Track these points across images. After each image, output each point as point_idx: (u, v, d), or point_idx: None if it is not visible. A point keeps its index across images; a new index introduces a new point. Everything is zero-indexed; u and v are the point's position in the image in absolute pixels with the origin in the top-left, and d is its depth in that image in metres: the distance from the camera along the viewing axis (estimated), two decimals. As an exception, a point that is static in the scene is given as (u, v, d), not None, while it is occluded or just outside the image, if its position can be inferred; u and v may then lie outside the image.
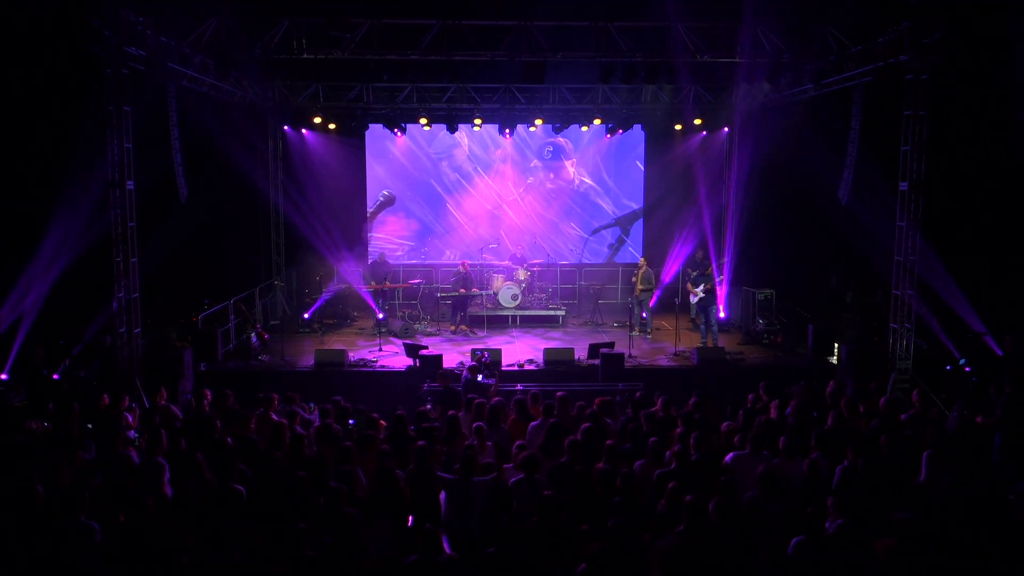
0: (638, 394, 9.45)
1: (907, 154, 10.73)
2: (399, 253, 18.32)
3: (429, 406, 9.47)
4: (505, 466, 7.44)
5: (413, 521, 6.80)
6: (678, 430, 8.14)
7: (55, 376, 10.32)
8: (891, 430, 8.19)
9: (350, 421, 8.55)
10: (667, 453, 7.34)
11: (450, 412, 8.62)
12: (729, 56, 10.72)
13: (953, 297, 11.05)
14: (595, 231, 18.61)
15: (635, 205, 18.53)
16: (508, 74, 11.44)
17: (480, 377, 10.38)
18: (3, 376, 10.35)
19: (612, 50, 10.50)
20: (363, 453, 7.64)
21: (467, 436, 8.22)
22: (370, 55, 10.43)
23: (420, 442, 7.65)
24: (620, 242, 18.65)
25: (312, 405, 9.43)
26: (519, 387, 10.60)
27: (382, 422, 8.69)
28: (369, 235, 18.34)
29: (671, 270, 16.55)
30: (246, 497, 6.51)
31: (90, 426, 8.22)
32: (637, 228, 18.61)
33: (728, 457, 7.33)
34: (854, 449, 7.17)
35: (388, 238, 18.42)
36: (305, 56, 10.54)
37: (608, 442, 7.46)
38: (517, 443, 7.99)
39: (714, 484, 6.60)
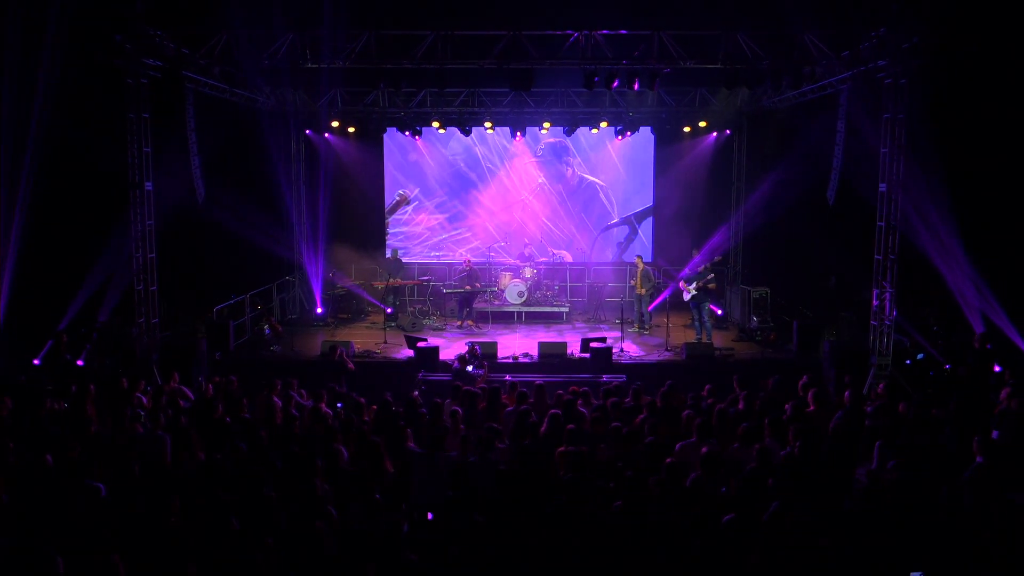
0: (614, 384, 9.99)
1: (886, 156, 11.05)
2: (435, 238, 19.10)
3: (417, 392, 10.11)
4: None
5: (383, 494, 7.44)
6: (641, 416, 8.66)
7: (79, 362, 11.21)
8: (853, 421, 8.63)
9: (338, 405, 9.22)
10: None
11: (435, 399, 9.27)
12: (712, 63, 11.15)
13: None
14: (604, 229, 19.11)
15: (645, 204, 19.00)
16: (497, 81, 12.01)
17: (470, 368, 11.00)
18: (36, 362, 11.29)
19: (597, 57, 11.02)
20: (347, 433, 8.32)
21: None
22: (369, 64, 11.14)
23: (402, 422, 8.36)
24: (629, 241, 19.12)
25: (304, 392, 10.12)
26: (507, 377, 11.17)
27: (374, 407, 9.37)
28: (387, 233, 19.11)
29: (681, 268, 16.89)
30: (232, 468, 7.22)
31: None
32: (646, 227, 19.07)
33: (677, 446, 7.80)
34: (799, 436, 7.62)
35: (414, 234, 19.20)
36: (309, 65, 11.29)
37: (569, 426, 8.00)
38: (487, 425, 8.56)
39: (660, 466, 7.12)
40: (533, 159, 18.95)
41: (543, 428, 8.30)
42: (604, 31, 10.95)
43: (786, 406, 9.21)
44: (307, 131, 18.21)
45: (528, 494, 6.70)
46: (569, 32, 11.00)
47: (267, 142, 16.49)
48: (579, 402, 9.21)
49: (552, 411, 8.51)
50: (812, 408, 9.03)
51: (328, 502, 6.51)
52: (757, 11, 10.76)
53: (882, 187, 11.15)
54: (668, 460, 7.16)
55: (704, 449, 7.26)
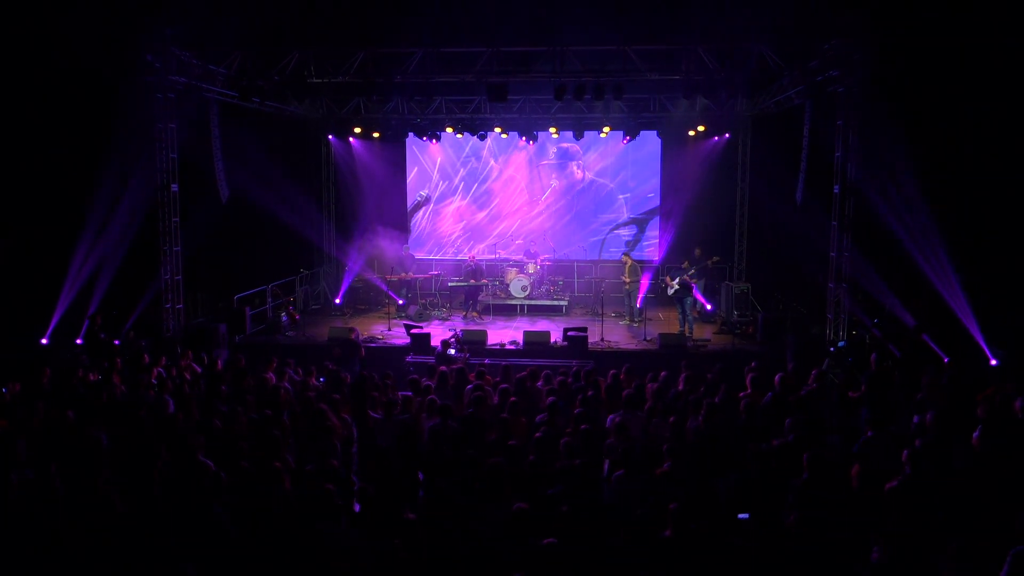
0: (576, 367, 11.09)
1: (839, 160, 11.83)
2: (451, 236, 20.55)
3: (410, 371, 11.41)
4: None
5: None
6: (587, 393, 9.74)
7: (116, 342, 12.82)
8: (781, 402, 9.54)
9: (321, 379, 10.55)
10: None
11: (411, 376, 10.53)
12: (674, 74, 12.09)
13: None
14: (613, 229, 20.09)
15: (652, 205, 19.92)
16: (476, 92, 13.14)
17: (452, 351, 12.21)
18: (78, 341, 12.97)
19: (568, 71, 12.09)
20: (325, 401, 9.64)
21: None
22: (364, 78, 12.46)
23: (375, 393, 9.68)
24: (636, 240, 20.07)
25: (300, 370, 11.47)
26: (487, 361, 12.36)
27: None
28: (410, 231, 20.50)
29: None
30: (221, 427, 8.60)
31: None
32: (653, 226, 19.99)
33: (608, 419, 8.84)
34: (705, 412, 8.61)
35: (432, 233, 20.57)
36: (313, 80, 12.68)
37: (512, 399, 9.13)
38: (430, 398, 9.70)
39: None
40: (545, 162, 20.06)
41: (495, 400, 9.47)
42: (574, 46, 12.01)
43: (720, 388, 10.18)
44: (332, 137, 19.74)
45: (460, 451, 7.88)
46: (542, 48, 12.10)
47: (294, 147, 18.03)
48: (539, 382, 10.34)
49: (502, 386, 9.66)
50: (748, 391, 9.94)
51: (288, 450, 7.81)
52: (715, 26, 11.63)
53: (835, 189, 11.92)
54: (583, 427, 8.25)
55: (616, 419, 8.32)
